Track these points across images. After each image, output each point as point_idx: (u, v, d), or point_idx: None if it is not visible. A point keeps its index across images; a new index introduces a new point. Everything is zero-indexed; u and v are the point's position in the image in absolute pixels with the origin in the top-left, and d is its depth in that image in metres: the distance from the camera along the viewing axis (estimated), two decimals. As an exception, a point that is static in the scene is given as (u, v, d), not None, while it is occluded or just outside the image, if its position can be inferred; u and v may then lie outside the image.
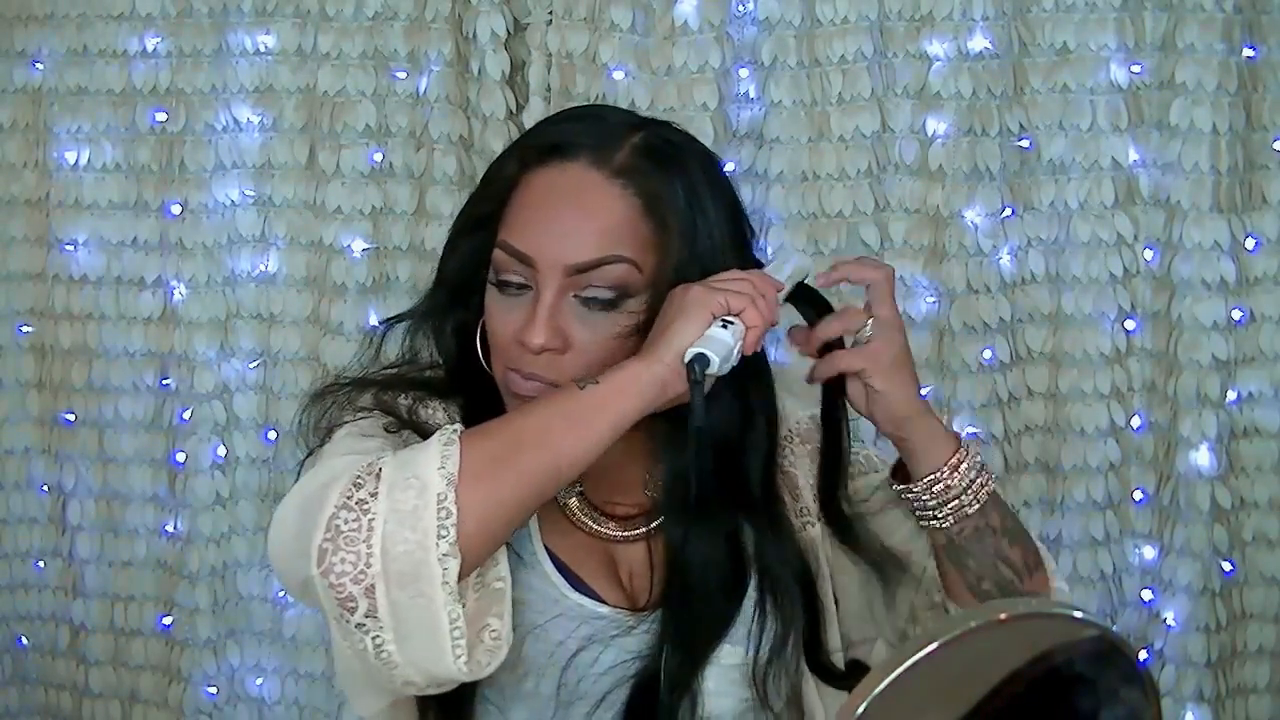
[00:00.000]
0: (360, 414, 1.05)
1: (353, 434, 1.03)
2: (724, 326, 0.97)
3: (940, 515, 1.08)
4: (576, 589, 1.08)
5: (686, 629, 1.06)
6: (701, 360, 0.96)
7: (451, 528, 0.88)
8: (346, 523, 0.88)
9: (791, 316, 1.11)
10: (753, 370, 1.06)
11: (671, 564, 1.08)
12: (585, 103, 1.68)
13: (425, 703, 1.07)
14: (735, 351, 0.98)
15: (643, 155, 1.03)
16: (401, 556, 0.87)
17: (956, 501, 1.08)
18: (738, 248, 1.06)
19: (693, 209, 1.02)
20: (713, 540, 1.07)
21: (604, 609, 1.08)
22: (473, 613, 0.91)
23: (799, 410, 1.20)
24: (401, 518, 0.87)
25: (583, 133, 1.04)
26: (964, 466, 1.08)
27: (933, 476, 1.08)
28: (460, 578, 0.88)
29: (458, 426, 0.94)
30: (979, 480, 1.08)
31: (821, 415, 1.13)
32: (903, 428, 1.08)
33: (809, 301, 1.11)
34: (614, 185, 1.01)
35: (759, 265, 1.08)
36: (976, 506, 1.08)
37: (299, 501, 0.93)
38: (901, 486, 1.10)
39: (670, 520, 1.07)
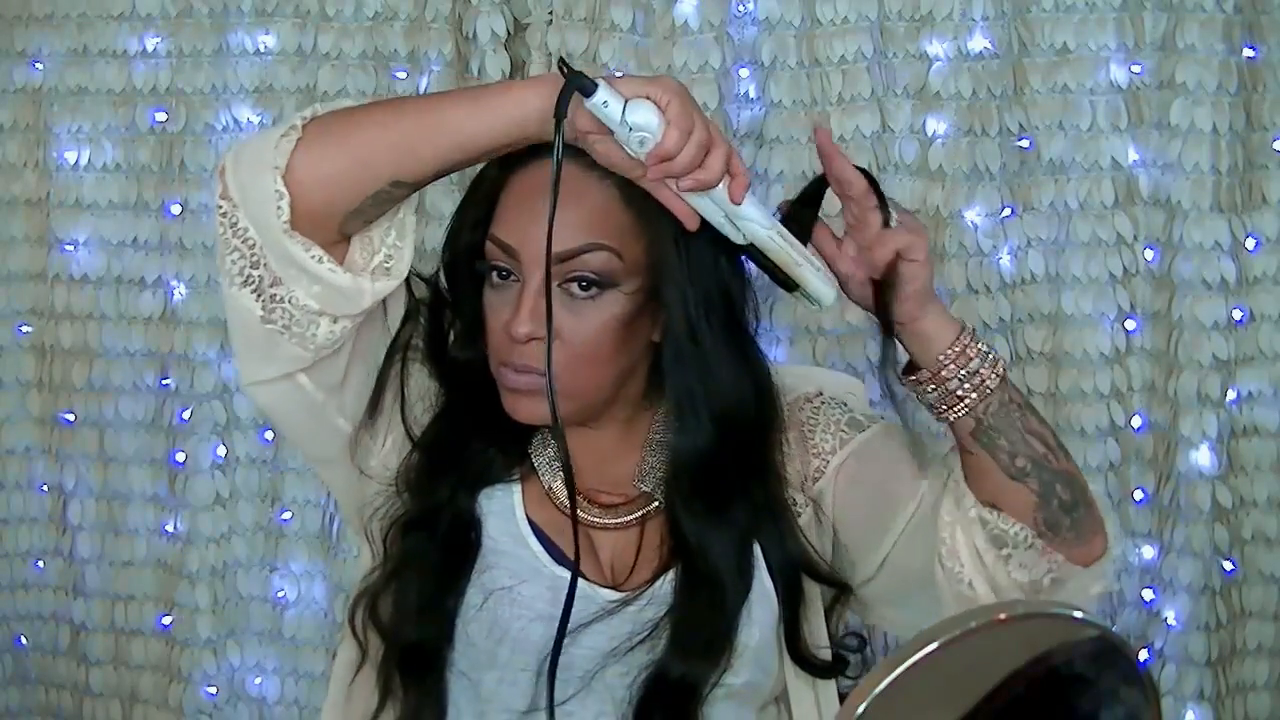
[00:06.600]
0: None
1: None
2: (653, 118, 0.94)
3: (964, 391, 1.04)
4: (558, 561, 1.09)
5: (701, 635, 1.07)
6: (587, 83, 0.93)
7: (300, 123, 0.98)
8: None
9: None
10: (753, 359, 1.09)
11: (690, 567, 1.09)
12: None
13: (389, 672, 1.08)
14: (639, 136, 0.94)
15: None
16: (250, 147, 0.99)
17: (979, 375, 1.03)
18: (724, 241, 1.07)
19: None
20: (727, 540, 1.09)
21: (583, 583, 1.08)
22: (375, 261, 1.07)
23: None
24: (266, 134, 1.00)
25: None
26: (974, 339, 1.05)
27: (955, 350, 1.03)
28: (288, 171, 0.96)
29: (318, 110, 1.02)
30: (991, 355, 1.05)
31: (878, 312, 1.05)
32: (926, 305, 1.04)
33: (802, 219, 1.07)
34: (591, 175, 1.03)
35: (741, 254, 1.07)
36: (997, 380, 1.04)
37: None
38: (929, 373, 1.04)
39: (683, 516, 1.09)
